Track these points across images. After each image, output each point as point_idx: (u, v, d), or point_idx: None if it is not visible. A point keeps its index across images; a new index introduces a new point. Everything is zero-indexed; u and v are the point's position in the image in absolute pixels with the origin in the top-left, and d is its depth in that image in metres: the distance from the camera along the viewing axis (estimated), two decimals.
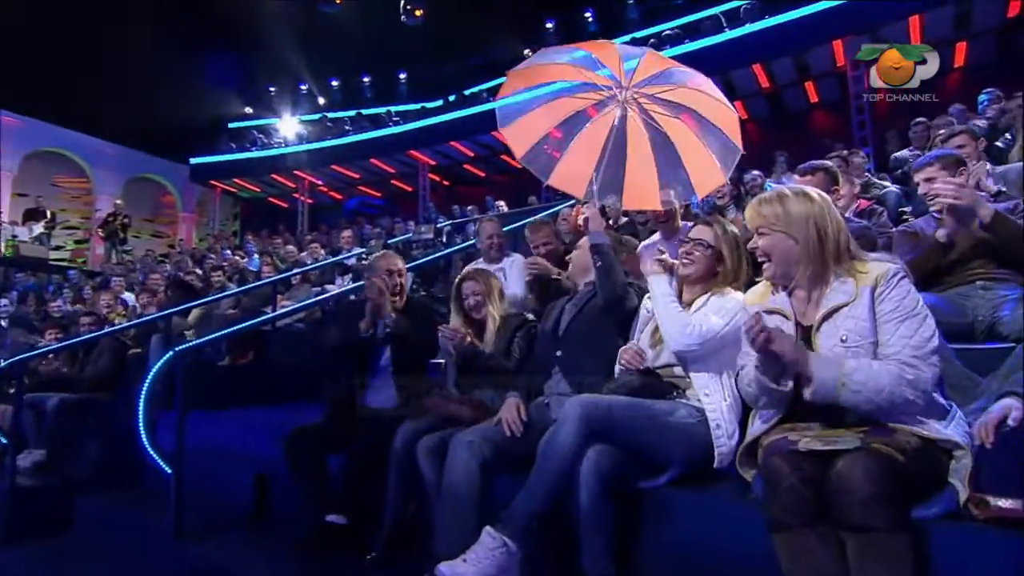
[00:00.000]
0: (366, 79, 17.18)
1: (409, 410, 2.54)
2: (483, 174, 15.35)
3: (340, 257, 6.43)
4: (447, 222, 8.44)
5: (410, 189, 15.59)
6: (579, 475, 1.70)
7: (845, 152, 5.41)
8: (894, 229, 3.01)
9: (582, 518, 1.70)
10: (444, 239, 7.46)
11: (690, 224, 3.27)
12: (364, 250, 6.22)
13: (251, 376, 5.24)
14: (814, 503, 1.31)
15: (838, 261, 1.55)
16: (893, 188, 4.72)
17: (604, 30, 13.98)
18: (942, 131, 4.12)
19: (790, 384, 1.51)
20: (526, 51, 15.94)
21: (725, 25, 10.46)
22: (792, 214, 1.56)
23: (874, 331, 1.46)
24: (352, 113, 15.73)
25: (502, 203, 10.42)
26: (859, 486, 1.25)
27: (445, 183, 15.60)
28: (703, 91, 2.56)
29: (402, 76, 16.98)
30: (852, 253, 1.57)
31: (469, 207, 10.17)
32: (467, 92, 14.54)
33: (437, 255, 5.72)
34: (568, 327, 2.40)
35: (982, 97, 5.72)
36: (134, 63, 13.52)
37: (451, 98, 14.72)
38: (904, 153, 5.71)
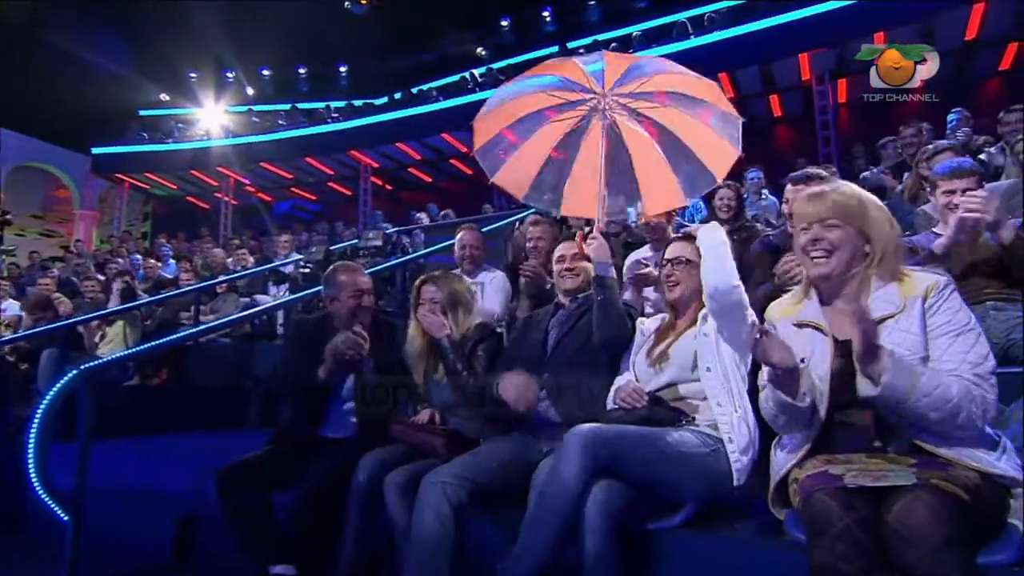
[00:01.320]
0: (302, 70, 16.74)
1: (372, 441, 2.35)
2: (430, 179, 15.18)
3: (276, 264, 6.10)
4: (393, 229, 8.20)
5: (349, 193, 15.24)
6: (583, 516, 1.58)
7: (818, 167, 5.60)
8: None
9: (587, 565, 1.58)
10: (392, 247, 7.22)
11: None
12: (302, 257, 5.92)
13: (166, 399, 4.89)
14: (870, 548, 1.24)
15: (892, 271, 1.54)
16: None
17: (562, 30, 14.22)
18: (928, 147, 4.29)
19: (808, 400, 1.47)
20: (479, 49, 16.12)
21: (691, 31, 10.80)
22: (870, 211, 1.56)
23: (925, 346, 1.43)
24: (286, 106, 15.22)
25: (448, 212, 10.25)
26: (927, 530, 1.19)
27: (387, 187, 15.30)
28: (677, 72, 2.58)
29: (343, 69, 16.67)
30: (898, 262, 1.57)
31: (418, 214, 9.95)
32: (415, 90, 14.37)
33: (390, 264, 5.51)
34: (556, 349, 2.28)
35: (951, 116, 6.08)
36: (22, 33, 12.55)
37: (397, 95, 14.53)
38: (873, 174, 6.00)
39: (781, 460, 1.60)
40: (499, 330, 2.91)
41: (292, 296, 4.99)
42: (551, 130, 2.72)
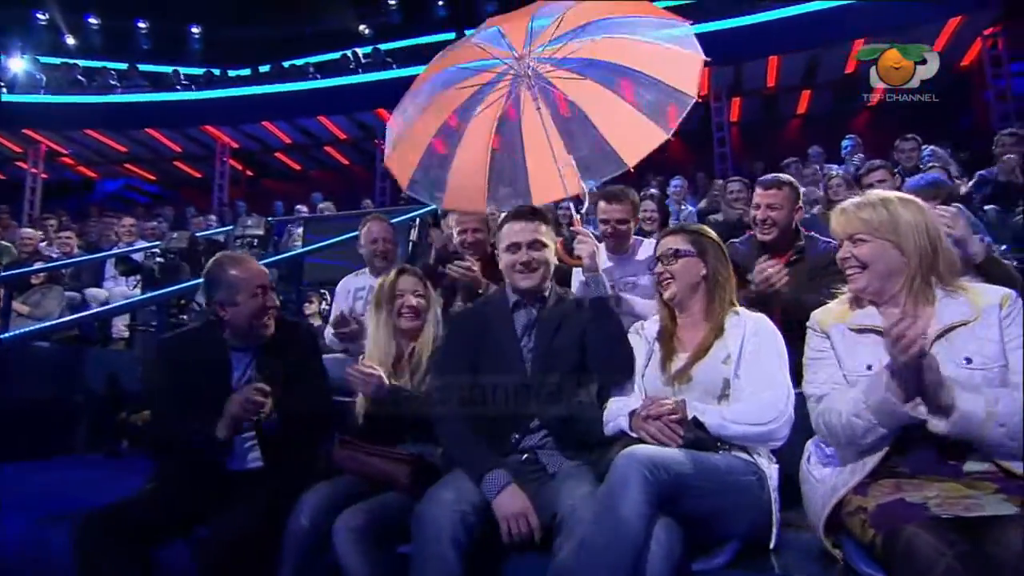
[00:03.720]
0: (142, 25, 15.03)
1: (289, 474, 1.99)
2: (299, 167, 14.41)
3: (123, 251, 5.25)
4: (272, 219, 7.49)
5: (199, 175, 13.98)
6: (645, 562, 1.37)
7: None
8: None
9: None
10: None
11: (641, 240, 3.17)
12: (159, 244, 5.13)
13: None
14: None
15: (947, 278, 1.55)
16: None
17: (453, 16, 14.06)
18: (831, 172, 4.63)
19: (923, 410, 1.41)
20: (362, 27, 15.48)
21: None
22: (902, 221, 1.56)
23: (1003, 354, 1.45)
24: (122, 66, 13.49)
25: (328, 205, 9.61)
26: None
27: (248, 173, 14.25)
28: (633, 39, 2.36)
29: (195, 30, 15.23)
30: (960, 272, 1.59)
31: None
32: (287, 64, 13.46)
33: (278, 257, 4.94)
34: (541, 367, 1.91)
35: (845, 142, 6.76)
36: None
37: (264, 68, 13.50)
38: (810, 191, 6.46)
39: (831, 481, 1.53)
40: None
41: (151, 294, 4.26)
42: (479, 124, 2.52)
